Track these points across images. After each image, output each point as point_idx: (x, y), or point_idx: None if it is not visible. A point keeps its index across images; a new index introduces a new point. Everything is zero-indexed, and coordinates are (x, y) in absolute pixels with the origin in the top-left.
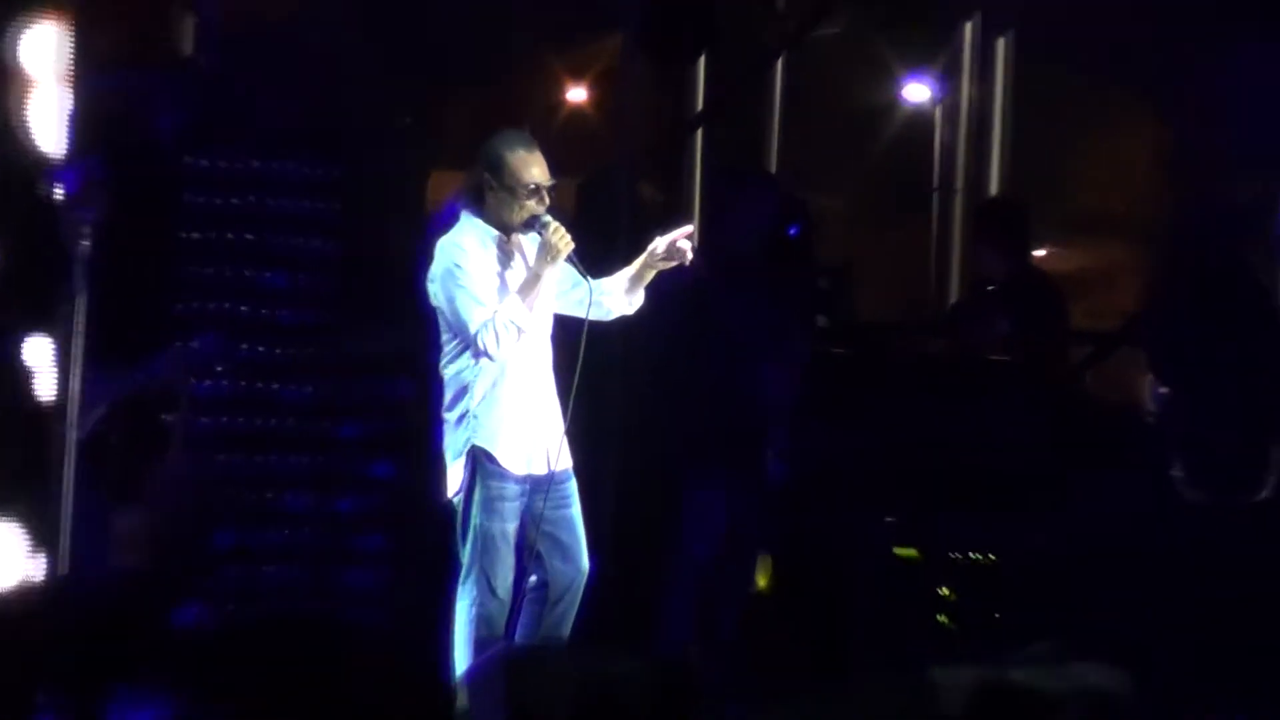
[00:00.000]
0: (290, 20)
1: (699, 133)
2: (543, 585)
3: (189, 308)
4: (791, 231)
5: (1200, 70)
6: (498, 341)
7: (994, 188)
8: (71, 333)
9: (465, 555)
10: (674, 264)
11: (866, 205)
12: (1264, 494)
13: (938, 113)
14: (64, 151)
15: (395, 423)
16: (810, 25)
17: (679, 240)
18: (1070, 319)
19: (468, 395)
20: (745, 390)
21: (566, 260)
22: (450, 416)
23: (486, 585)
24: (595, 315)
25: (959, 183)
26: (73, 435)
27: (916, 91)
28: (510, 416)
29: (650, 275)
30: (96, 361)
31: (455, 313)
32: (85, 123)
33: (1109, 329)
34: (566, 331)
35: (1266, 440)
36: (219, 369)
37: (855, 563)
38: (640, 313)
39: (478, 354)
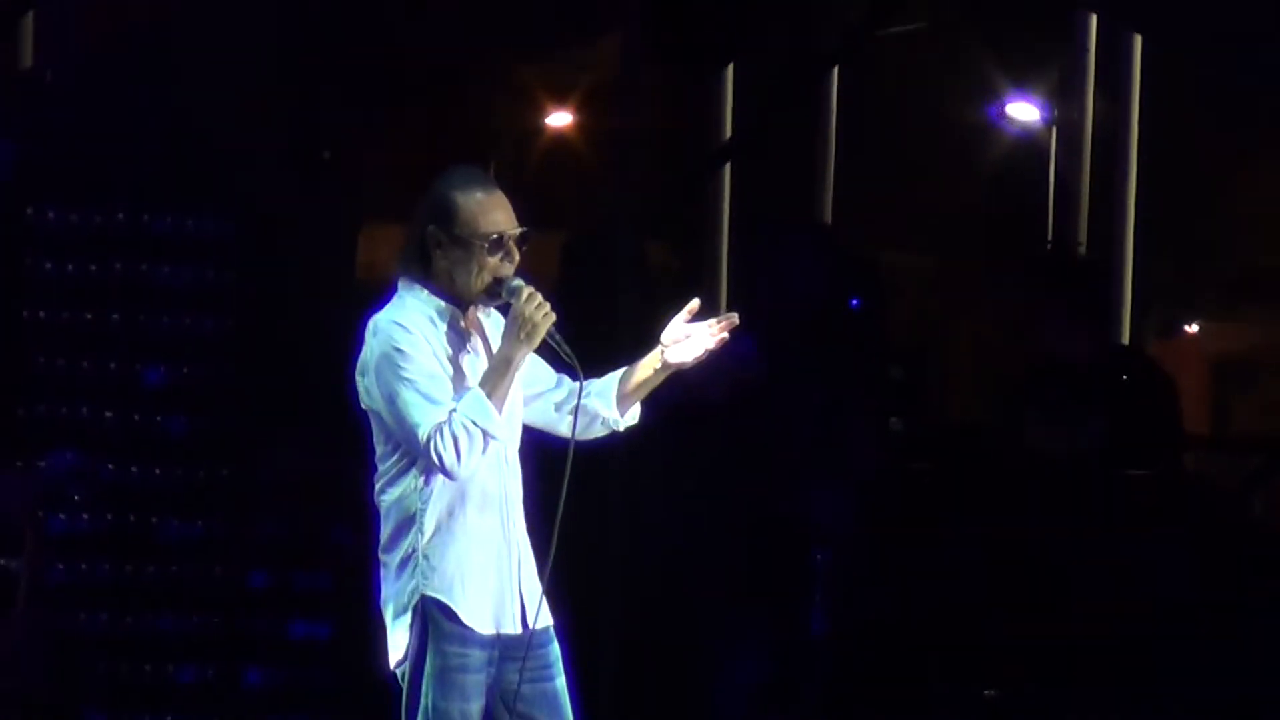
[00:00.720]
0: (168, 22)
1: (726, 169)
2: None
3: (35, 412)
4: (853, 304)
5: None
6: (458, 453)
7: (1129, 241)
8: None
9: None
10: (689, 365)
11: (955, 267)
12: None
13: (1052, 140)
14: None
15: (321, 569)
16: (878, 22)
17: (701, 333)
18: (1183, 418)
19: (414, 529)
20: (791, 517)
21: (546, 339)
22: (390, 560)
23: None
24: (581, 424)
25: (1082, 234)
26: None
27: (1023, 111)
28: (473, 557)
29: (657, 382)
30: None
31: (398, 415)
32: None
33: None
34: (541, 442)
35: None
36: (77, 497)
37: None
38: (647, 416)
39: (430, 471)
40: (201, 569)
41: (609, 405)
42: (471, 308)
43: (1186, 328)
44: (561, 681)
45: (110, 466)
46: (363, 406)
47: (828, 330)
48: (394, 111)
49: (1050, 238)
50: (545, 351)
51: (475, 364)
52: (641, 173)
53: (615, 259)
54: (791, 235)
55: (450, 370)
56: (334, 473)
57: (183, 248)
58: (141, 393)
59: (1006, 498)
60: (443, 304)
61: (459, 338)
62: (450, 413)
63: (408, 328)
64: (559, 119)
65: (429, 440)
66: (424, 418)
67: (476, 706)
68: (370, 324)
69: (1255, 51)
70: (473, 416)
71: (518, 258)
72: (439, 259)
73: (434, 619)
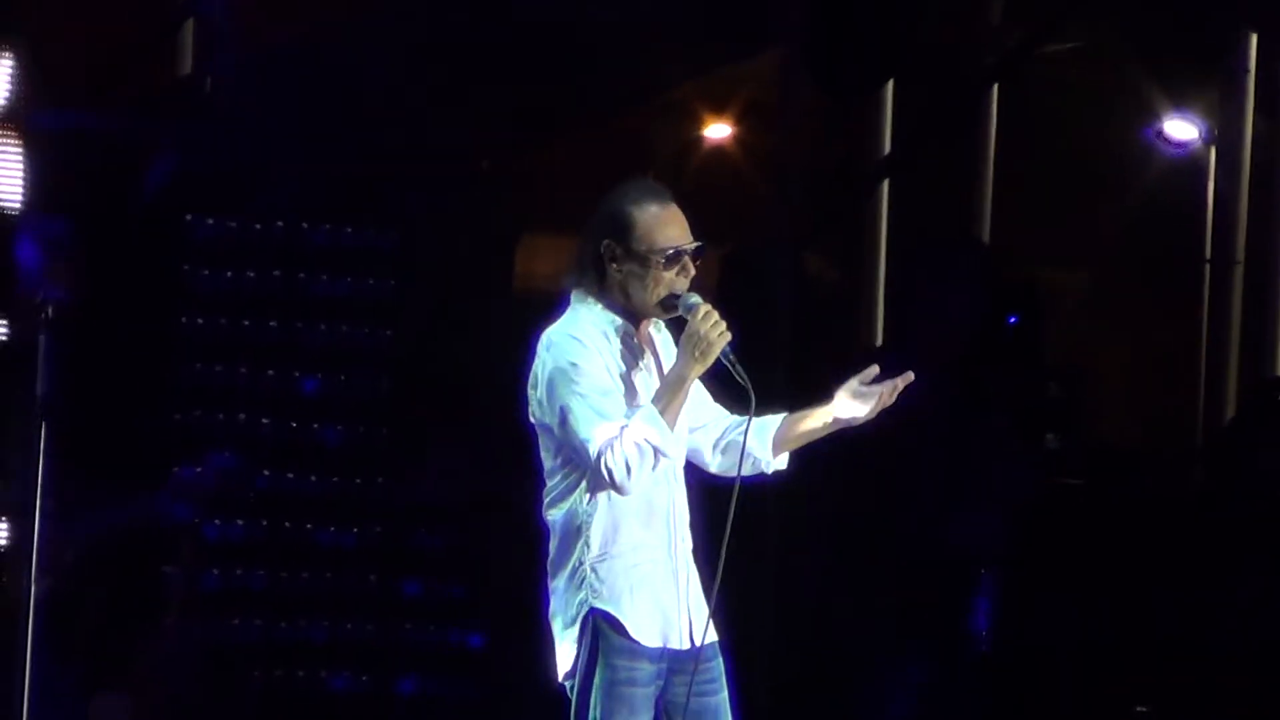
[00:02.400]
0: (329, 35)
1: (884, 186)
2: None
3: (192, 419)
4: (1010, 320)
5: None
6: (628, 470)
7: None
8: (32, 451)
9: None
10: (860, 421)
11: (1113, 285)
12: None
13: (1211, 157)
14: (18, 210)
15: (475, 580)
16: (1036, 41)
17: (876, 393)
18: None
19: (581, 543)
20: (944, 536)
21: (721, 358)
22: (558, 574)
23: None
24: (730, 460)
25: (1239, 252)
26: (33, 591)
27: (1181, 130)
28: (640, 572)
29: (822, 434)
30: (66, 491)
31: (569, 429)
32: (47, 174)
33: None
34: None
35: None
36: (234, 504)
37: None
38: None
39: (599, 486)
40: (356, 577)
41: (764, 446)
42: (644, 322)
43: None
44: (724, 696)
45: (266, 474)
46: (532, 420)
47: (985, 348)
48: (556, 124)
49: (1209, 256)
50: (718, 371)
51: (647, 380)
52: (801, 188)
53: (774, 272)
54: (949, 253)
55: (622, 386)
56: (489, 484)
57: (341, 257)
58: (298, 401)
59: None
60: (616, 318)
61: (631, 353)
62: (622, 429)
63: (582, 341)
64: (718, 131)
65: (600, 455)
66: (596, 432)
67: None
68: (543, 337)
69: None
70: (645, 434)
71: (693, 272)
72: (614, 273)
73: (603, 632)
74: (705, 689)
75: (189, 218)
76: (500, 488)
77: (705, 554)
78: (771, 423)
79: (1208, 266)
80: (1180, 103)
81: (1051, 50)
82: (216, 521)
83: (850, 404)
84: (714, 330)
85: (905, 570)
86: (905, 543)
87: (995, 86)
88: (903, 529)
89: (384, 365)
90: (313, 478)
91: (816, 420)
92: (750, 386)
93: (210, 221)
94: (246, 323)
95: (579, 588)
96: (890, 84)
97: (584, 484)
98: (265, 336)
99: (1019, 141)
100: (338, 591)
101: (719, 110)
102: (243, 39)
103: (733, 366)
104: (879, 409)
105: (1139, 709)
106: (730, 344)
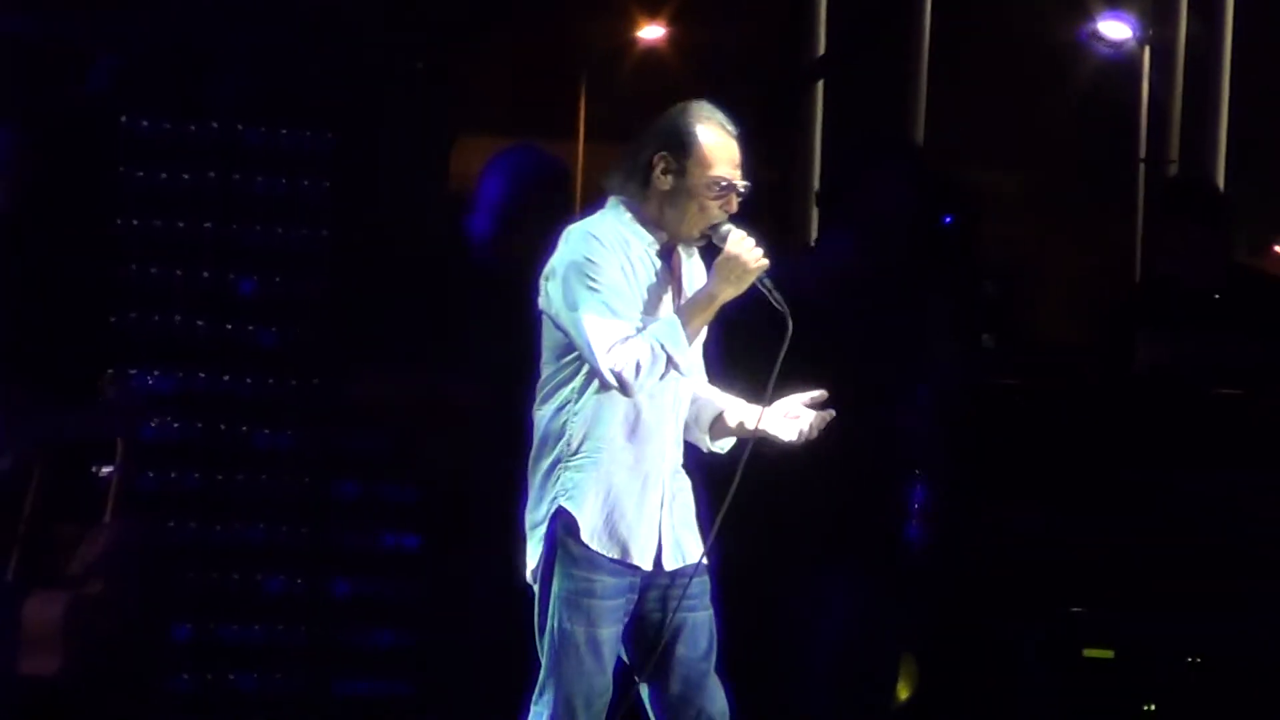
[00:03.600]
0: None
1: (819, 86)
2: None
3: (128, 321)
4: (945, 220)
5: None
6: (637, 370)
7: (1220, 159)
8: None
9: (543, 660)
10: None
11: (1047, 185)
12: None
13: (1145, 57)
14: None
15: (416, 480)
16: None
17: (808, 420)
18: None
19: (562, 441)
20: (877, 437)
21: (756, 284)
22: (536, 470)
23: (563, 707)
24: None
25: (1174, 152)
26: None
27: (1115, 29)
28: (614, 481)
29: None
30: (3, 395)
31: (579, 324)
32: None
33: None
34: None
35: None
36: (170, 406)
37: (1029, 668)
38: (733, 333)
39: (586, 387)
40: (291, 480)
41: (702, 430)
42: (679, 248)
43: (1276, 247)
44: (704, 615)
45: (201, 375)
46: (539, 308)
47: (920, 247)
48: (488, 26)
49: (1143, 155)
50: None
51: (667, 300)
52: (734, 88)
53: None
54: (882, 153)
55: (642, 295)
56: (426, 386)
57: (277, 158)
58: (234, 303)
59: (1097, 420)
60: (647, 233)
61: (654, 269)
62: (639, 331)
63: (604, 242)
64: (651, 32)
65: (611, 350)
66: (608, 328)
67: (607, 632)
68: (566, 231)
69: None
70: (663, 339)
71: (734, 209)
72: (659, 184)
73: (563, 542)
74: (684, 605)
75: (124, 119)
76: (437, 389)
77: (704, 482)
78: (708, 410)
79: (1142, 166)
80: (1114, 2)
81: None
82: (152, 423)
83: (780, 423)
84: (752, 255)
85: (839, 475)
86: (838, 448)
87: None
88: (836, 435)
89: (320, 266)
90: (248, 380)
91: (741, 427)
92: (788, 312)
93: (145, 123)
94: (181, 224)
95: (552, 485)
96: None
97: (576, 383)
98: (201, 237)
99: (954, 42)
100: (273, 493)
101: (652, 11)
102: None
103: (770, 293)
104: (801, 437)
105: (1146, 708)
106: (766, 271)
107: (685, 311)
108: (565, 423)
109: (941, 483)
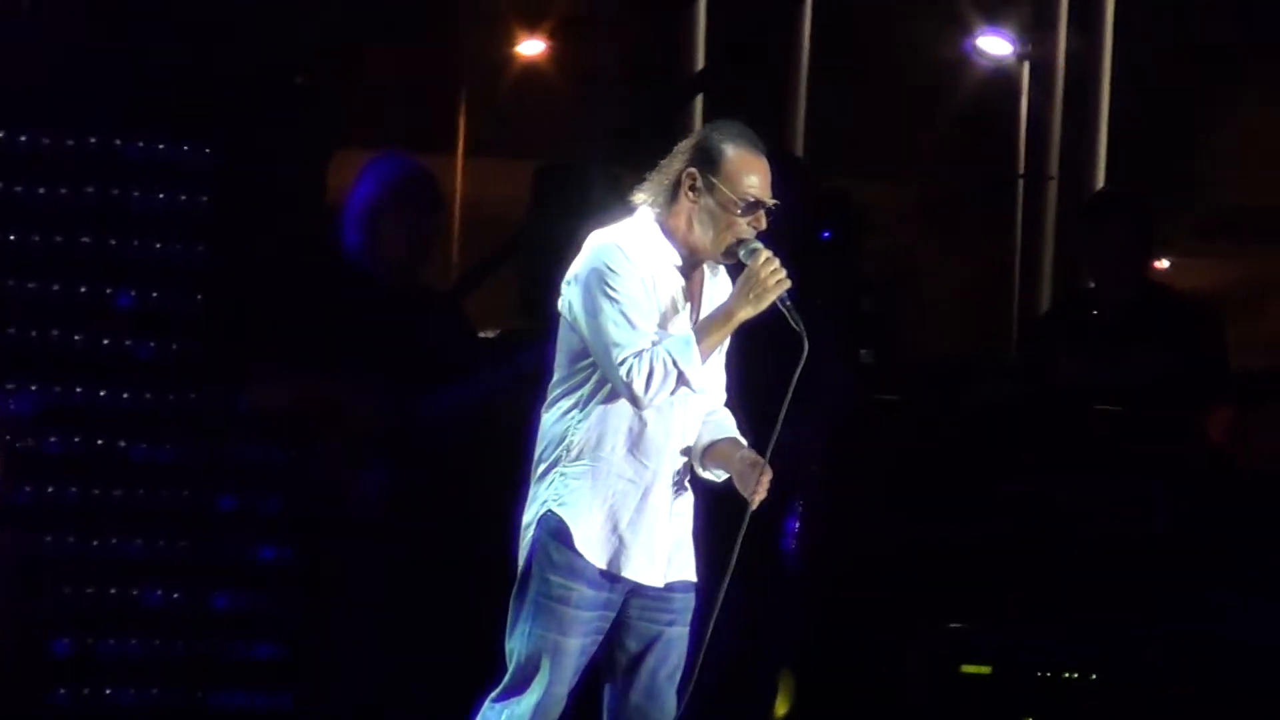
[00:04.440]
0: None
1: (698, 99)
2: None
3: (4, 334)
4: (823, 235)
5: None
6: (648, 384)
7: (1099, 173)
8: None
9: (509, 661)
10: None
11: (927, 198)
12: None
13: (1024, 72)
14: None
15: (287, 495)
16: None
17: (748, 482)
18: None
19: (561, 447)
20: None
21: (777, 303)
22: (535, 473)
23: (518, 709)
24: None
25: (1053, 167)
26: None
27: (995, 45)
28: (611, 490)
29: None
30: None
31: (596, 331)
32: None
33: (1258, 367)
34: None
35: None
36: (46, 420)
37: (908, 683)
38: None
39: (593, 397)
40: (169, 493)
41: (695, 457)
42: (703, 265)
43: (1156, 263)
44: (680, 631)
45: (79, 389)
46: (558, 309)
47: (798, 261)
48: (368, 39)
49: (1022, 172)
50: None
51: (684, 315)
52: (615, 102)
53: (590, 187)
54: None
55: (661, 307)
56: (304, 398)
57: (155, 173)
58: (112, 317)
59: (975, 435)
60: (672, 249)
61: (676, 285)
62: (654, 343)
63: (628, 255)
64: (532, 47)
65: (625, 362)
66: (622, 338)
67: (575, 644)
68: (594, 235)
69: None
70: (676, 355)
71: (762, 226)
72: (687, 200)
73: (546, 546)
74: (659, 619)
75: (2, 133)
76: (314, 401)
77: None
78: (707, 435)
79: (1020, 181)
80: (994, 18)
81: None
82: (29, 439)
83: (738, 474)
84: (772, 276)
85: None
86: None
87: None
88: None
89: (197, 280)
90: (125, 394)
91: (725, 468)
92: (805, 333)
93: (24, 137)
94: (59, 238)
95: (545, 488)
96: None
97: (585, 390)
98: (78, 252)
99: (834, 56)
100: (151, 507)
101: (532, 25)
102: None
103: (789, 313)
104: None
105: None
106: (787, 291)
107: (702, 328)
108: (568, 429)
109: (821, 498)
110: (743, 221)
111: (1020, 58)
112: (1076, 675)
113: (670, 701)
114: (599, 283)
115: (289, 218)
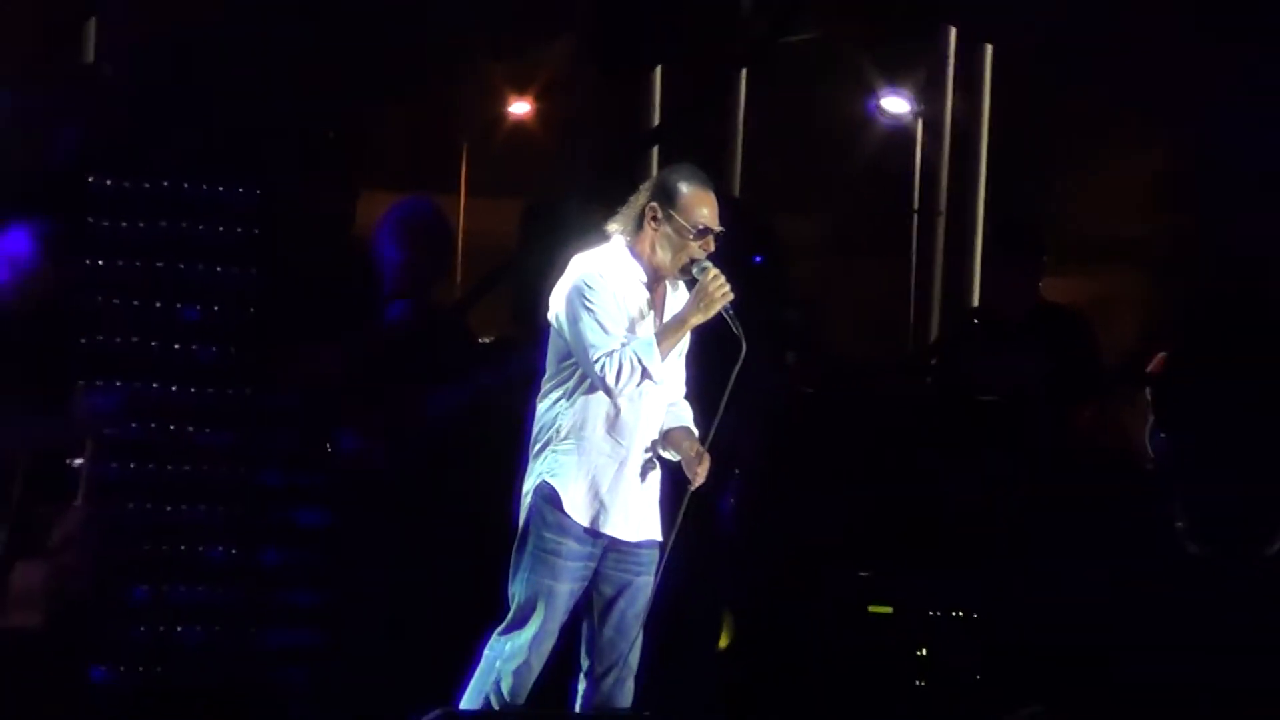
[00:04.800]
0: (203, 26)
1: (654, 150)
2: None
3: (95, 342)
4: (756, 259)
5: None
6: (617, 378)
7: (980, 209)
8: None
9: (510, 604)
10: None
11: (840, 229)
12: (1270, 550)
13: (919, 127)
14: None
15: (322, 470)
16: (778, 32)
17: (697, 463)
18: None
19: (553, 429)
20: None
21: (722, 312)
22: (532, 451)
23: (520, 640)
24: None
25: (942, 204)
26: None
27: (895, 104)
28: (592, 462)
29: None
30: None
31: (577, 335)
32: None
33: (1108, 366)
34: None
35: (1275, 492)
36: (129, 411)
37: (825, 620)
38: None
39: (577, 390)
40: (227, 470)
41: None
42: (663, 282)
43: None
44: (645, 580)
45: (154, 386)
46: (548, 319)
47: (735, 281)
48: (387, 99)
49: (915, 207)
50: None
51: (649, 321)
52: (588, 152)
53: (567, 221)
54: None
55: (629, 315)
56: (335, 393)
57: (215, 210)
58: (181, 327)
59: (879, 421)
60: (641, 271)
61: (642, 298)
62: (623, 345)
63: (603, 274)
64: (520, 107)
65: (600, 360)
66: (598, 340)
67: (565, 588)
68: (576, 258)
69: (1086, 55)
70: (640, 354)
71: (712, 248)
72: (650, 229)
73: (541, 510)
74: (629, 569)
75: (91, 179)
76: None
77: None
78: (668, 423)
79: (915, 216)
80: (894, 82)
81: (791, 39)
82: (115, 427)
83: (685, 460)
84: (718, 290)
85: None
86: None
87: (745, 69)
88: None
89: (249, 298)
90: (192, 390)
91: (678, 452)
92: (743, 338)
93: (109, 182)
94: (137, 264)
95: (541, 463)
96: (659, 67)
97: (570, 384)
98: (153, 275)
99: (765, 113)
100: (212, 481)
101: (521, 89)
102: (136, 29)
103: (732, 320)
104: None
105: (919, 653)
106: (730, 304)
107: (661, 332)
108: (557, 415)
109: (755, 470)
110: (695, 245)
111: (915, 115)
112: (962, 614)
113: (638, 638)
114: (579, 297)
115: (324, 246)
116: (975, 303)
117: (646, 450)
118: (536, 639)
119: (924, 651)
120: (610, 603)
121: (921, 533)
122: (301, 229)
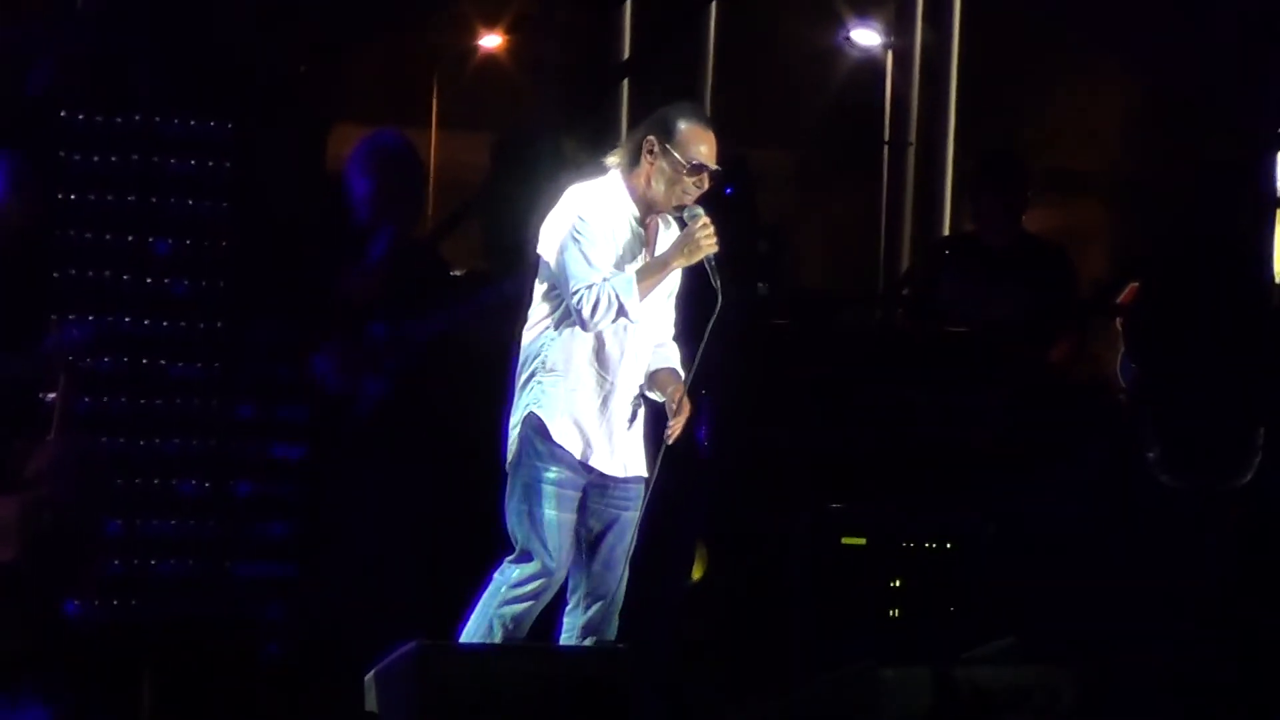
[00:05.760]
0: None
1: (625, 84)
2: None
3: (67, 276)
4: (727, 191)
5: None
6: (593, 312)
7: (950, 142)
8: None
9: (513, 534)
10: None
11: (810, 161)
12: (1242, 479)
13: (888, 59)
14: None
15: (297, 403)
16: None
17: (676, 417)
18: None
19: (538, 360)
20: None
21: (704, 261)
22: (518, 382)
23: (527, 565)
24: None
25: (912, 136)
26: None
27: (865, 36)
28: (576, 396)
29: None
30: None
31: (561, 265)
32: None
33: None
34: None
35: (1246, 422)
36: (101, 345)
37: (799, 552)
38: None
39: (563, 322)
40: (200, 403)
41: (645, 380)
42: (654, 217)
43: None
44: (632, 515)
45: (127, 320)
46: (537, 250)
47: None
48: (358, 34)
49: (886, 139)
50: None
51: (639, 259)
52: (558, 86)
53: (539, 155)
54: None
55: (617, 251)
56: (307, 325)
57: (187, 144)
58: (153, 261)
59: (850, 353)
60: (633, 208)
61: (633, 233)
62: (604, 280)
63: (595, 207)
64: (491, 40)
65: (579, 292)
66: (581, 272)
67: (566, 517)
68: (569, 191)
69: None
70: (619, 291)
71: (706, 186)
72: (646, 162)
73: (531, 440)
74: (616, 504)
75: (63, 113)
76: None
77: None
78: (653, 364)
79: (886, 147)
80: (864, 14)
81: None
82: (88, 360)
83: (668, 406)
84: (705, 238)
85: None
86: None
87: (714, 1)
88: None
89: (222, 231)
90: (164, 323)
91: (661, 395)
92: (720, 291)
93: (81, 116)
94: (110, 197)
95: (527, 394)
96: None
97: (556, 315)
98: (126, 208)
99: (735, 46)
100: (185, 415)
101: (491, 22)
102: None
103: (712, 271)
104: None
105: (893, 584)
106: (714, 254)
107: (642, 271)
108: (542, 345)
109: (726, 402)
110: (689, 180)
111: (885, 47)
112: (935, 545)
113: (624, 571)
114: (569, 227)
115: (296, 179)
116: (945, 233)
117: (631, 387)
118: (543, 570)
119: (898, 583)
120: (599, 539)
121: (894, 464)
122: (273, 162)
